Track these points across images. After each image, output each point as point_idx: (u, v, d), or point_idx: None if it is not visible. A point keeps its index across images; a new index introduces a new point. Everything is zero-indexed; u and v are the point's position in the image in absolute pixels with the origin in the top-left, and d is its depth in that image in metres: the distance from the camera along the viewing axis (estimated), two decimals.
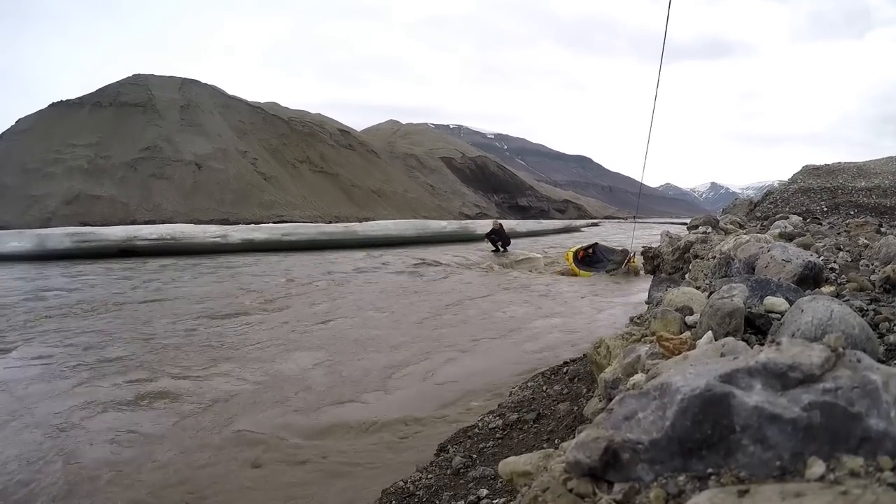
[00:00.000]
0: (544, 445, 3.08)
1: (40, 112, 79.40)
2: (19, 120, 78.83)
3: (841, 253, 4.11)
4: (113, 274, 15.92)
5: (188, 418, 4.91)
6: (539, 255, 19.86)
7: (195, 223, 37.94)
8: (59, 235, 22.91)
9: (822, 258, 3.38)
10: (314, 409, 5.10)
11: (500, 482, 2.45)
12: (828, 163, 13.55)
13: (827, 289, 2.79)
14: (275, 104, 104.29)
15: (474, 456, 3.47)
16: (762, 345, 1.80)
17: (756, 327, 1.94)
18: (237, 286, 12.83)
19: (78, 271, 16.51)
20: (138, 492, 3.70)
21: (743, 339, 1.82)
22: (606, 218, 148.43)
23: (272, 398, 5.40)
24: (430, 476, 3.30)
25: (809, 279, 2.85)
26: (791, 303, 2.04)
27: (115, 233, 24.24)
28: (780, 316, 1.95)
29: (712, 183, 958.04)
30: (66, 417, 4.87)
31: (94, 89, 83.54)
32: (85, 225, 38.63)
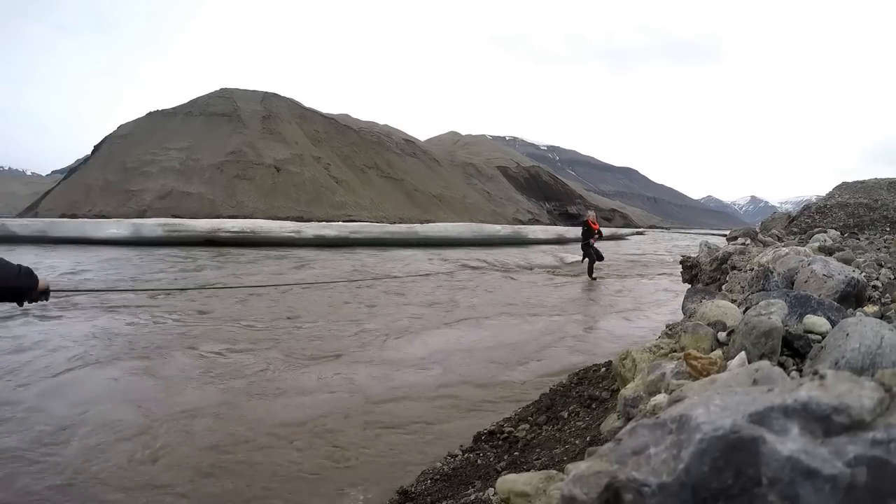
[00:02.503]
0: None
1: (139, 119, 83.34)
2: (121, 126, 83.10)
3: (883, 269, 3.71)
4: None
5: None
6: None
7: (273, 219, 38.79)
8: (152, 225, 23.79)
9: (863, 274, 3.02)
10: None
11: (497, 499, 2.20)
12: (863, 179, 12.85)
13: (870, 308, 2.47)
14: (346, 115, 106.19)
15: None
16: (800, 370, 1.53)
17: (794, 349, 1.67)
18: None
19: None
20: None
21: (779, 363, 1.55)
22: (650, 227, 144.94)
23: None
24: None
25: (851, 297, 2.53)
26: (833, 323, 1.76)
27: (202, 225, 24.96)
28: (820, 337, 1.67)
29: (752, 196, 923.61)
30: None
31: (186, 101, 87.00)
32: (175, 217, 40.02)
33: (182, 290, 10.42)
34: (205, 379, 5.39)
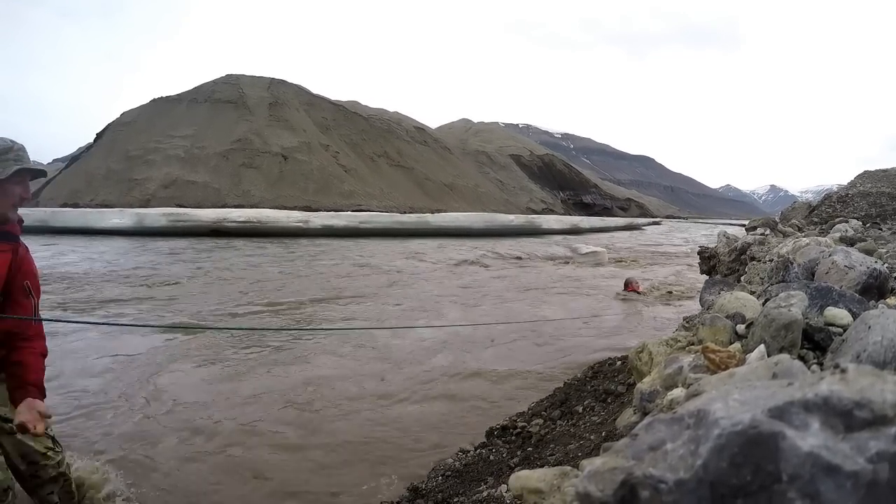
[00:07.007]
0: None
1: (142, 106, 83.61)
2: (124, 113, 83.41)
3: None
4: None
5: None
6: (603, 249, 20.11)
7: (280, 209, 38.91)
8: (156, 215, 23.94)
9: (886, 265, 2.99)
10: None
11: (510, 496, 2.19)
12: (886, 167, 12.69)
13: (893, 300, 2.45)
14: (356, 102, 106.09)
15: None
16: (820, 364, 1.53)
17: (814, 342, 1.66)
18: None
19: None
20: None
21: (799, 356, 1.55)
22: (667, 217, 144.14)
23: None
24: None
25: (873, 288, 2.50)
26: (855, 315, 1.75)
27: (207, 214, 25.07)
28: (841, 330, 1.67)
29: (772, 185, 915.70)
30: None
31: (191, 87, 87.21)
32: (180, 206, 40.25)
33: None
34: None
